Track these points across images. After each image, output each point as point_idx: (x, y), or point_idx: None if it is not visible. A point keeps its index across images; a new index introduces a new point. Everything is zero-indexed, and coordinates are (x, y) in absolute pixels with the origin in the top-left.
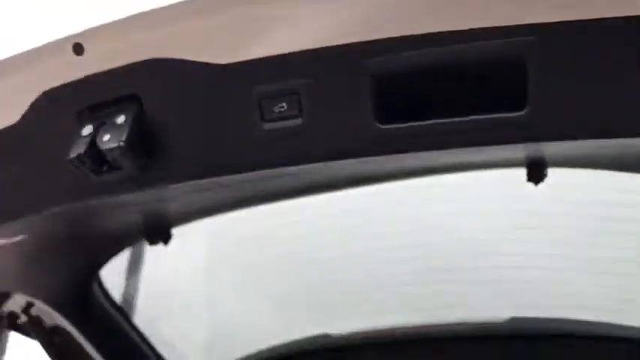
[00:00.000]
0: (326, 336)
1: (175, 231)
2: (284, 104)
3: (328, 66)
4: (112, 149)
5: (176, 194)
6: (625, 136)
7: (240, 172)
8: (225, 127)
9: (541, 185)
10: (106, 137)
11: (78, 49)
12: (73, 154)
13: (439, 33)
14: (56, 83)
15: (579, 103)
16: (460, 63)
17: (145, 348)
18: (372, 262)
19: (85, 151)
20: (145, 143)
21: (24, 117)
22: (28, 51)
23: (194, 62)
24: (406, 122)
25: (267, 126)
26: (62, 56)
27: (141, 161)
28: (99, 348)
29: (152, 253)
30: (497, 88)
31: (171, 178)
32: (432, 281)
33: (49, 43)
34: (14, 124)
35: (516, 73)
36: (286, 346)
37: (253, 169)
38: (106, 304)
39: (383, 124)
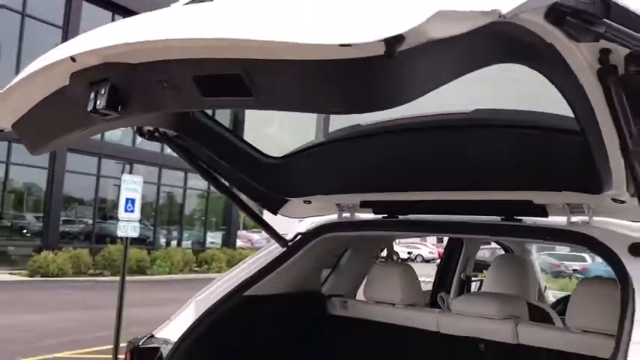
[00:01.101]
0: (358, 125)
1: None
2: (166, 84)
3: (174, 69)
4: (101, 108)
5: None
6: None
7: (157, 110)
8: (147, 89)
9: None
10: (99, 102)
11: (72, 59)
12: (87, 109)
13: (207, 59)
14: (73, 70)
15: (277, 95)
16: (220, 75)
17: (242, 145)
18: None
19: (92, 109)
20: (116, 101)
21: (71, 80)
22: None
23: (124, 63)
24: (214, 97)
25: (167, 92)
26: (66, 62)
27: (116, 110)
28: (210, 149)
29: None
30: (244, 85)
31: (130, 116)
32: None
33: (62, 57)
34: (66, 85)
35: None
36: (328, 134)
37: (162, 109)
38: (210, 123)
39: (205, 97)
